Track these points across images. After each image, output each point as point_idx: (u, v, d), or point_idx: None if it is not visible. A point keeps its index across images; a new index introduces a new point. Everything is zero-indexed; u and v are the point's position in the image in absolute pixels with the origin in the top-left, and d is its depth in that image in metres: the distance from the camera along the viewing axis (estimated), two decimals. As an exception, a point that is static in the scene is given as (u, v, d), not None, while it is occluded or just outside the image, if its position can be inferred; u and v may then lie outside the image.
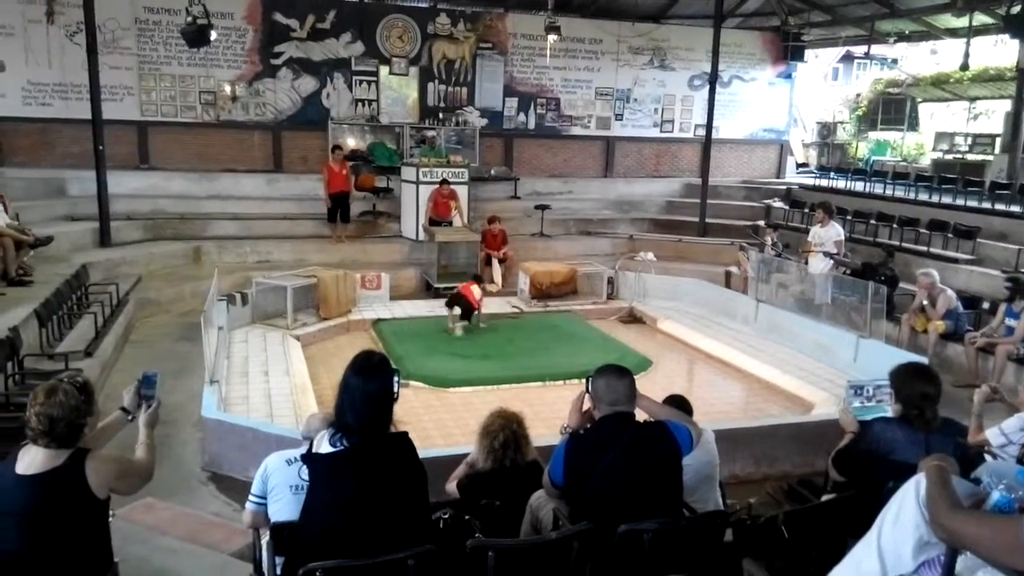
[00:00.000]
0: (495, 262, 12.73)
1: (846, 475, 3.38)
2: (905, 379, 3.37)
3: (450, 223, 13.01)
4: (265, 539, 3.56)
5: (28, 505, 2.45)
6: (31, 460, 2.51)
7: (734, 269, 12.16)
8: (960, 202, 13.19)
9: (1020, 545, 1.61)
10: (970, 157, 18.54)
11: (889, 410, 3.70)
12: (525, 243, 13.84)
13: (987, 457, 4.29)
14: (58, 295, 8.14)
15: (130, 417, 3.01)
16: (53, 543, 2.45)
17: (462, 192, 13.35)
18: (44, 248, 9.65)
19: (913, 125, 23.60)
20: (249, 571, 3.54)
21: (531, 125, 16.77)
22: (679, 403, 3.93)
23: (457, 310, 10.24)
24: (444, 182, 12.99)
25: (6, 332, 6.42)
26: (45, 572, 2.41)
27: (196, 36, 11.41)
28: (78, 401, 2.58)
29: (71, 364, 6.59)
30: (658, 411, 3.22)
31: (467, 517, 3.18)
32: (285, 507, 3.49)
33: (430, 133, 15.77)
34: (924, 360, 3.93)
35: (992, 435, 4.58)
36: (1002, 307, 8.37)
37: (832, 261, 10.12)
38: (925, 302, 9.02)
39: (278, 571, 2.83)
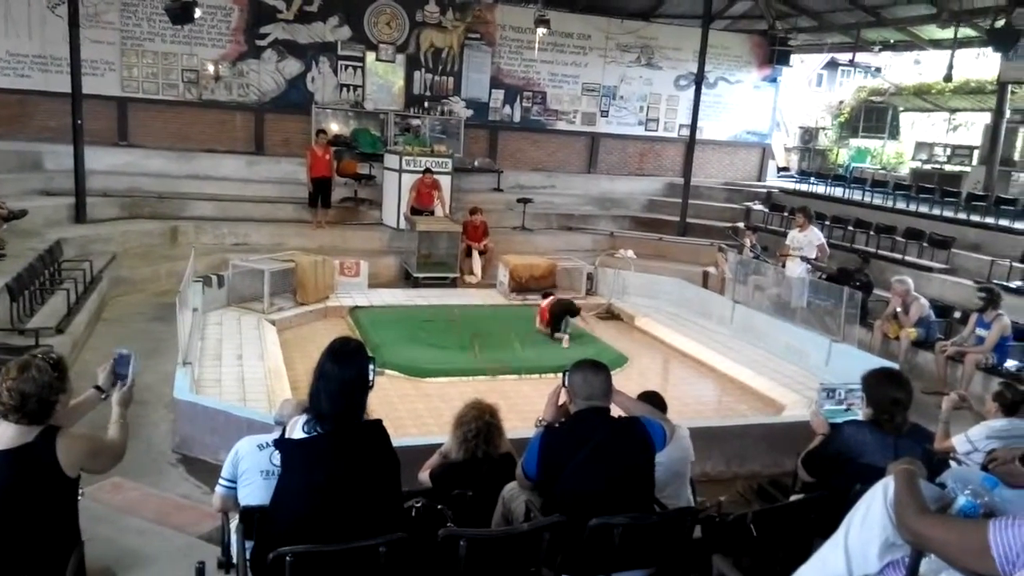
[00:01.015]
0: (475, 253, 12.72)
1: (815, 476, 3.43)
2: (877, 383, 3.42)
3: (432, 213, 12.98)
4: (234, 523, 3.55)
5: None
6: (0, 435, 2.47)
7: (712, 269, 12.25)
8: (937, 212, 13.38)
9: (984, 549, 1.64)
10: (948, 168, 18.81)
11: (859, 413, 3.76)
12: (506, 236, 13.84)
13: (952, 463, 4.38)
14: (31, 270, 8.02)
15: (104, 396, 2.97)
16: (20, 520, 2.42)
17: (445, 182, 13.31)
18: (18, 222, 9.51)
19: (894, 133, 23.91)
20: (217, 554, 3.51)
21: (516, 118, 16.75)
22: (653, 399, 3.96)
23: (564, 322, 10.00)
24: (427, 171, 12.94)
25: (-25, 306, 6.31)
26: (10, 548, 2.37)
27: (180, 13, 11.26)
28: (51, 377, 2.55)
29: (42, 340, 6.50)
30: (633, 407, 3.24)
31: (439, 507, 3.18)
32: (255, 491, 3.47)
33: (415, 121, 15.69)
34: (895, 366, 3.99)
35: (958, 442, 4.67)
36: (973, 317, 8.50)
37: (808, 265, 10.21)
38: (899, 309, 9.15)
39: (247, 555, 2.81)
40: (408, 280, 12.36)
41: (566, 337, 9.88)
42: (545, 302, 10.36)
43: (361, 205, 14.32)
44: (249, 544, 2.90)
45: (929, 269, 11.32)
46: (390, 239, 13.31)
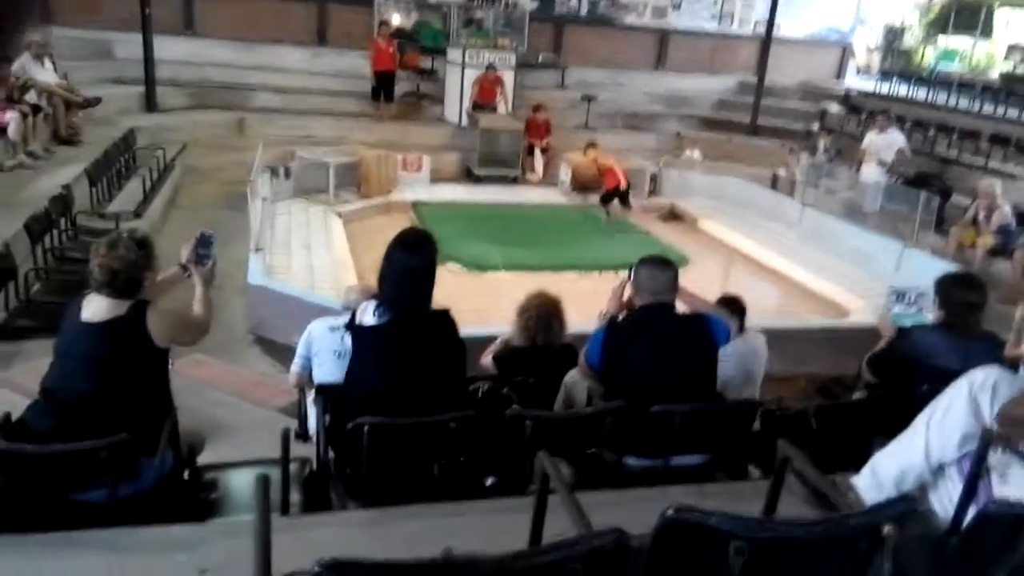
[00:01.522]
0: (537, 152, 12.56)
1: (880, 377, 3.41)
2: (951, 286, 3.34)
3: (494, 109, 12.79)
4: (310, 397, 3.75)
5: (93, 350, 2.57)
6: (95, 309, 2.61)
7: (782, 172, 11.89)
8: (1026, 117, 12.57)
9: None
10: (1043, 70, 17.53)
11: (929, 317, 3.69)
12: (569, 135, 13.57)
13: (1022, 370, 4.30)
14: (107, 156, 8.26)
15: (187, 273, 3.09)
16: (119, 386, 2.58)
17: (508, 78, 13.04)
18: (92, 110, 9.72)
19: (986, 32, 22.25)
20: (294, 426, 3.72)
21: (583, 11, 16.11)
22: (733, 304, 3.95)
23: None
24: (490, 67, 12.68)
25: (59, 189, 6.57)
26: (114, 411, 2.54)
27: None
28: (137, 255, 2.66)
29: (121, 224, 6.76)
30: (699, 305, 3.24)
31: (504, 390, 3.29)
32: (329, 370, 3.63)
33: (478, 14, 15.22)
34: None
35: (1031, 350, 4.56)
36: None
37: (885, 169, 9.80)
38: (982, 214, 8.74)
39: (324, 426, 2.96)
40: (469, 177, 12.34)
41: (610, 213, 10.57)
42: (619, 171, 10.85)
43: (423, 100, 14.17)
44: (326, 417, 3.05)
45: (1013, 176, 10.74)
46: (452, 135, 13.21)
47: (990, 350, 3.23)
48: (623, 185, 10.78)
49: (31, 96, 8.29)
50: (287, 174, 10.11)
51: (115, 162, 8.53)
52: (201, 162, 10.88)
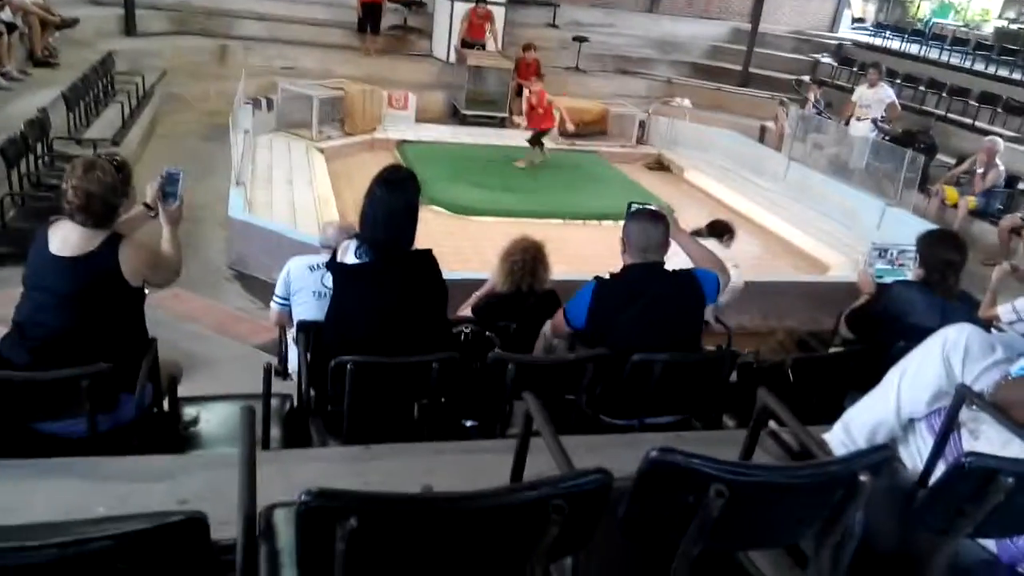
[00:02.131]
0: (526, 93, 12.37)
1: (858, 333, 3.44)
2: (932, 244, 3.35)
3: (483, 47, 12.54)
4: (291, 335, 3.74)
5: (64, 287, 2.47)
6: (64, 240, 2.47)
7: (771, 124, 11.83)
8: (1016, 76, 12.55)
9: None
10: (1037, 29, 17.41)
11: (909, 275, 3.73)
12: (558, 76, 13.36)
13: (993, 331, 4.38)
14: (85, 81, 8.03)
15: (152, 213, 2.90)
16: (93, 323, 2.49)
17: (498, 14, 12.75)
18: (69, 31, 9.40)
19: (984, -14, 21.99)
20: (274, 362, 3.72)
21: (578, -53, 15.72)
22: (718, 226, 3.95)
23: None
24: (480, 2, 12.38)
25: (36, 112, 6.39)
26: (90, 347, 2.45)
27: None
28: (115, 179, 2.52)
29: (99, 151, 6.61)
30: (694, 251, 3.20)
31: (488, 333, 3.30)
32: (308, 309, 3.61)
33: (470, -55, 14.82)
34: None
35: (1004, 311, 4.63)
36: None
37: (873, 125, 9.77)
38: (980, 169, 8.75)
39: (306, 364, 2.96)
40: (456, 117, 12.16)
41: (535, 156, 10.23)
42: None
43: (411, 34, 13.85)
44: (307, 355, 3.04)
45: (999, 136, 10.78)
46: (439, 72, 12.97)
47: (966, 310, 3.27)
48: (556, 126, 10.54)
49: (6, 14, 7.98)
50: (270, 106, 9.91)
51: (93, 87, 8.29)
52: (181, 90, 10.62)
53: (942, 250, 3.30)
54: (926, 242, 3.39)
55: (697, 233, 4.99)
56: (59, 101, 7.27)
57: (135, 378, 2.51)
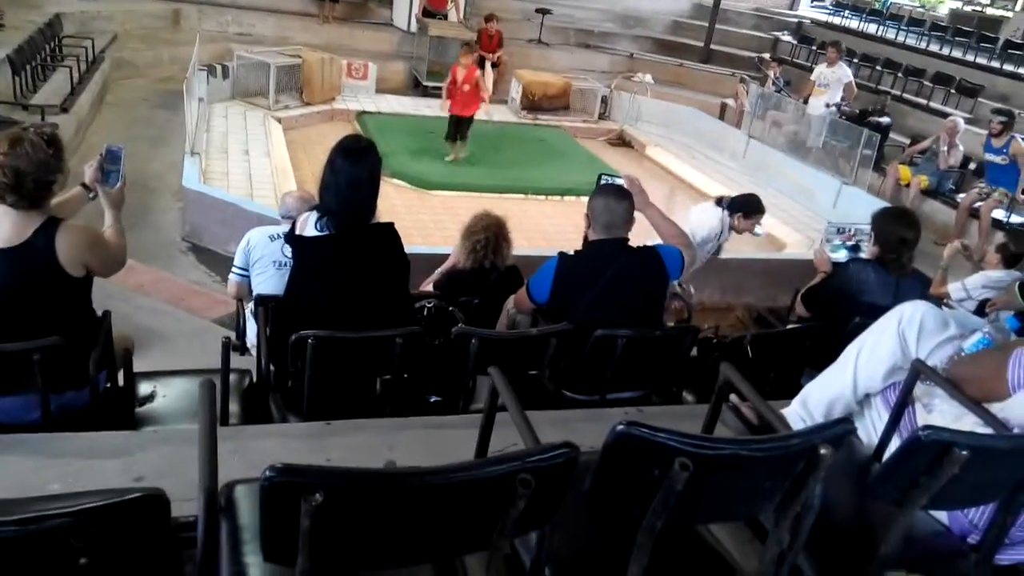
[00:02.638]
0: (488, 65, 12.25)
1: (814, 311, 3.48)
2: (888, 222, 3.40)
3: (445, 16, 12.38)
4: (249, 308, 3.68)
5: None
6: None
7: (731, 101, 11.91)
8: (970, 57, 12.81)
9: (1000, 373, 1.79)
10: (990, 11, 17.80)
11: (864, 253, 3.79)
12: (521, 49, 13.28)
13: (944, 308, 4.50)
14: (31, 43, 7.72)
15: (91, 195, 2.66)
16: (30, 319, 2.29)
17: (461, -16, 12.59)
18: (12, -9, 9.04)
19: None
20: (232, 337, 3.65)
21: (541, -83, 15.51)
22: (750, 201, 4.57)
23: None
24: (443, -29, 12.20)
25: (-23, 76, 6.14)
26: (31, 337, 2.23)
27: None
28: (46, 155, 2.27)
29: (47, 118, 6.39)
30: (662, 225, 3.20)
31: (451, 308, 3.28)
32: (268, 281, 3.56)
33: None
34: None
35: (954, 289, 4.77)
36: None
37: (834, 107, 9.88)
38: (944, 148, 8.90)
39: (265, 339, 2.91)
40: (417, 88, 12.01)
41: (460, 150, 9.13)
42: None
43: (370, 2, 13.59)
44: (267, 329, 2.99)
45: (945, 115, 11.02)
46: (400, 42, 12.78)
47: (919, 288, 3.35)
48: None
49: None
50: (225, 74, 9.65)
51: (40, 50, 7.99)
52: (134, 56, 10.30)
53: (897, 228, 3.36)
54: (881, 220, 3.44)
55: (731, 205, 5.14)
56: (4, 64, 7.00)
57: (84, 374, 2.37)
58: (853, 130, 9.14)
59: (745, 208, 5.12)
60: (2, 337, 2.25)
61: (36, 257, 2.25)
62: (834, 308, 3.32)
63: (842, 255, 3.80)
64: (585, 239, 3.17)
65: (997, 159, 8.14)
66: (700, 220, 5.20)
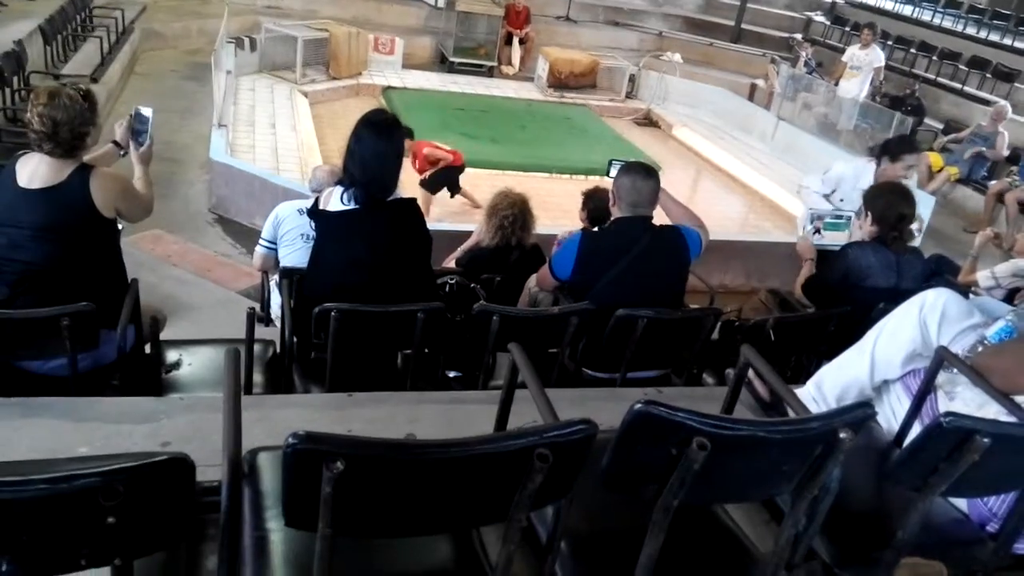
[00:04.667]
0: (515, 42, 12.18)
1: (817, 302, 3.37)
2: (887, 199, 3.27)
3: (473, -8, 12.28)
4: (274, 280, 3.71)
5: (36, 220, 2.40)
6: (33, 172, 2.41)
7: (761, 82, 11.75)
8: (1008, 41, 12.51)
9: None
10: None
11: (848, 232, 3.69)
12: (548, 26, 13.17)
13: (971, 295, 4.43)
14: (62, 14, 7.80)
15: (122, 152, 2.87)
16: (69, 257, 2.46)
17: (489, -41, 12.47)
18: (44, -39, 9.09)
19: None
20: (257, 309, 3.69)
21: None
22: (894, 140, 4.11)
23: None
24: (472, -55, 12.08)
25: (11, 45, 6.21)
26: (68, 283, 2.45)
27: None
28: (81, 107, 2.43)
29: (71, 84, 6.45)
30: (673, 210, 3.20)
31: (473, 285, 3.29)
32: (296, 253, 3.60)
33: None
34: (905, 183, 3.81)
35: (983, 277, 4.68)
36: None
37: (866, 87, 9.71)
38: (1001, 130, 8.70)
39: (289, 310, 2.95)
40: (443, 64, 11.97)
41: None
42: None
43: (399, -24, 13.53)
44: (291, 301, 3.02)
45: (987, 102, 10.79)
46: (427, 17, 12.72)
47: (918, 264, 3.27)
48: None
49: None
50: (253, 46, 9.68)
51: (71, 21, 8.07)
52: (162, 28, 10.35)
53: (895, 203, 3.24)
54: (880, 198, 3.31)
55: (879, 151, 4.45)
56: (36, 34, 7.07)
57: (116, 316, 2.49)
58: (885, 113, 8.99)
59: (890, 150, 4.33)
60: (43, 277, 2.42)
61: (72, 196, 2.43)
62: (840, 297, 3.22)
63: (830, 230, 3.70)
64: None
65: None
66: (835, 161, 4.80)
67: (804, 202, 4.88)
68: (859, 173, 4.48)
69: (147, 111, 2.85)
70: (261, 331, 3.34)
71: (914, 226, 3.65)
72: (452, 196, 7.20)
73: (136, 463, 0.96)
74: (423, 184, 6.91)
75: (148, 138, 2.83)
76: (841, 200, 4.50)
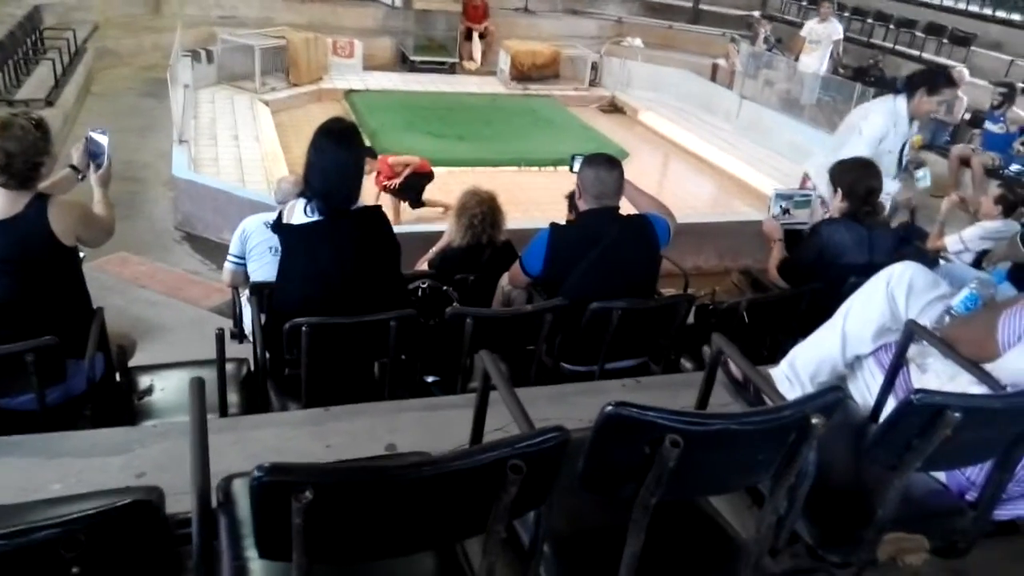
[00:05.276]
0: (475, 37, 12.14)
1: (792, 283, 3.37)
2: (853, 173, 3.28)
3: (430, -11, 12.20)
4: (245, 296, 3.67)
5: None
6: None
7: (722, 62, 11.79)
8: (962, 5, 12.65)
9: (991, 335, 1.80)
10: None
11: (807, 213, 3.71)
12: (508, 18, 13.12)
13: (941, 261, 4.48)
14: (12, 38, 7.64)
15: (80, 176, 2.83)
16: (31, 289, 2.42)
17: (444, -45, 12.39)
18: (-12, -16, 8.92)
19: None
20: (229, 326, 3.65)
21: None
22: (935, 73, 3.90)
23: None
24: (425, -58, 12.00)
25: (-41, 73, 6.08)
26: (32, 315, 2.41)
27: None
28: (35, 137, 2.41)
29: (18, 111, 6.33)
30: (639, 199, 3.20)
31: (445, 288, 3.27)
32: (265, 267, 3.55)
33: None
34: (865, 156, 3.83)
35: (951, 242, 4.76)
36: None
37: (826, 60, 9.78)
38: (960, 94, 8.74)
39: (259, 327, 2.91)
40: (405, 64, 11.89)
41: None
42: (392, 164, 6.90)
43: (354, -22, 13.41)
44: (262, 317, 2.99)
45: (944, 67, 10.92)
46: (385, 17, 12.61)
47: (889, 238, 3.28)
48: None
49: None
50: (209, 58, 9.56)
51: (21, 44, 7.90)
52: (116, 45, 10.19)
53: (863, 178, 3.25)
54: (849, 173, 3.31)
55: (908, 85, 4.21)
56: (-15, 60, 6.93)
57: (83, 346, 2.45)
58: (846, 85, 9.07)
59: (928, 81, 4.13)
60: (4, 311, 2.38)
61: (31, 228, 2.39)
62: (815, 275, 3.22)
63: (790, 217, 3.70)
64: (570, 203, 3.15)
65: (995, 127, 8.11)
66: (865, 120, 4.28)
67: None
68: (894, 115, 4.17)
69: (101, 135, 2.81)
70: (236, 349, 3.31)
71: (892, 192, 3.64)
72: (413, 208, 7.02)
73: (95, 510, 0.94)
74: (389, 191, 6.85)
75: (106, 159, 2.80)
76: (889, 152, 4.23)
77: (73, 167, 2.81)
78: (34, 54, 8.29)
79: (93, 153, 2.79)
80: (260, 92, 9.48)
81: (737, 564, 1.56)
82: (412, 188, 6.94)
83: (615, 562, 1.37)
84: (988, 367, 1.82)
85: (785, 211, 3.77)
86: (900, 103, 4.14)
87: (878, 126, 4.15)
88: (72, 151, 2.83)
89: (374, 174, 6.59)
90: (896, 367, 1.99)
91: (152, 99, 8.68)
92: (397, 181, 6.83)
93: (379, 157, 6.65)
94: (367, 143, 6.35)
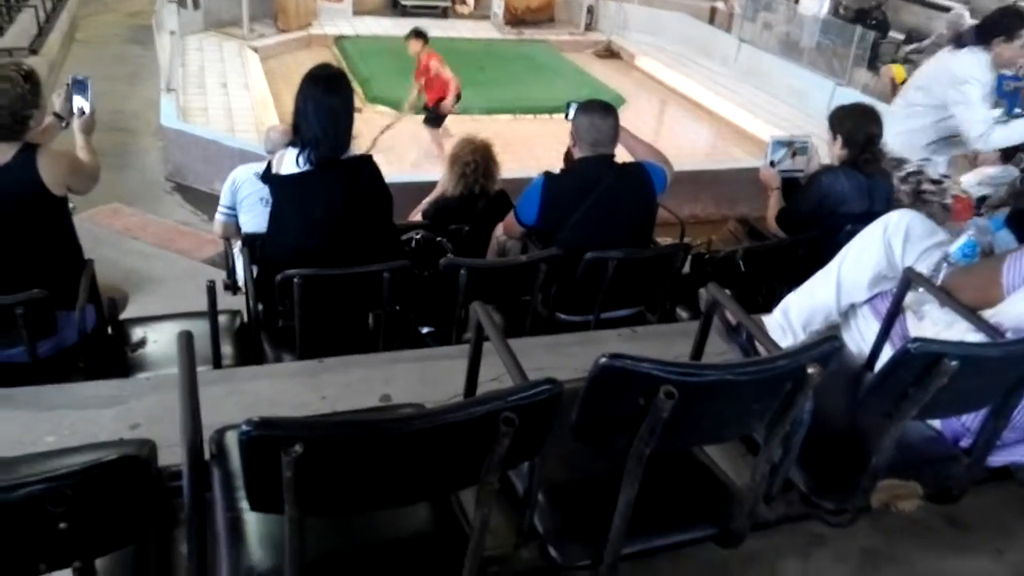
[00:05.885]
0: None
1: (793, 232, 3.31)
2: (857, 120, 3.20)
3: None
4: (237, 247, 3.64)
5: None
6: None
7: (720, 4, 11.56)
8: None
9: (995, 279, 1.79)
10: None
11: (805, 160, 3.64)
12: (502, -40, 12.77)
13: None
14: (-10, -17, 7.43)
15: (64, 124, 2.80)
16: (21, 239, 2.40)
17: None
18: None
19: None
20: (222, 277, 3.63)
21: None
22: (1007, 16, 3.58)
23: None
24: None
25: (-61, 21, 5.93)
26: (21, 266, 2.39)
27: None
28: (24, 89, 2.38)
29: (5, 61, 6.20)
30: (636, 147, 3.15)
31: (439, 239, 3.24)
32: (256, 219, 3.51)
33: None
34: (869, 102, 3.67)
35: (949, 188, 4.71)
36: None
37: (826, 2, 9.60)
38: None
39: (251, 279, 2.89)
40: (396, 8, 11.62)
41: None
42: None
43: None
44: (254, 268, 2.96)
45: (947, 9, 10.69)
46: (376, -41, 12.29)
47: (887, 186, 3.25)
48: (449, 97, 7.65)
49: None
50: (196, 4, 9.32)
51: (0, -10, 7.69)
52: (99, -10, 9.94)
53: (865, 124, 3.18)
54: (850, 119, 3.23)
55: (979, 35, 3.82)
56: (-36, 7, 6.74)
57: (74, 297, 2.43)
58: (846, 29, 8.90)
59: (1004, 28, 3.72)
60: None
61: (19, 177, 2.37)
62: (815, 224, 3.19)
63: (787, 164, 3.62)
64: (567, 158, 3.11)
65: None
66: (965, 73, 3.78)
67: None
68: (974, 69, 3.73)
69: (84, 78, 2.77)
70: (229, 300, 3.29)
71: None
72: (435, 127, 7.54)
73: (80, 466, 0.92)
74: (427, 122, 7.49)
75: (89, 106, 2.76)
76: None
77: (56, 115, 2.77)
78: (16, 0, 8.07)
79: (75, 100, 2.74)
80: (249, 39, 9.28)
81: (731, 511, 1.57)
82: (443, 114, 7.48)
83: (609, 510, 1.38)
84: (991, 312, 1.81)
85: (790, 156, 3.69)
86: (977, 58, 3.73)
87: (988, 82, 3.74)
88: (54, 97, 2.78)
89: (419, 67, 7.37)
90: (893, 315, 1.98)
91: (138, 46, 8.50)
92: (449, 101, 7.33)
93: (429, 53, 7.43)
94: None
